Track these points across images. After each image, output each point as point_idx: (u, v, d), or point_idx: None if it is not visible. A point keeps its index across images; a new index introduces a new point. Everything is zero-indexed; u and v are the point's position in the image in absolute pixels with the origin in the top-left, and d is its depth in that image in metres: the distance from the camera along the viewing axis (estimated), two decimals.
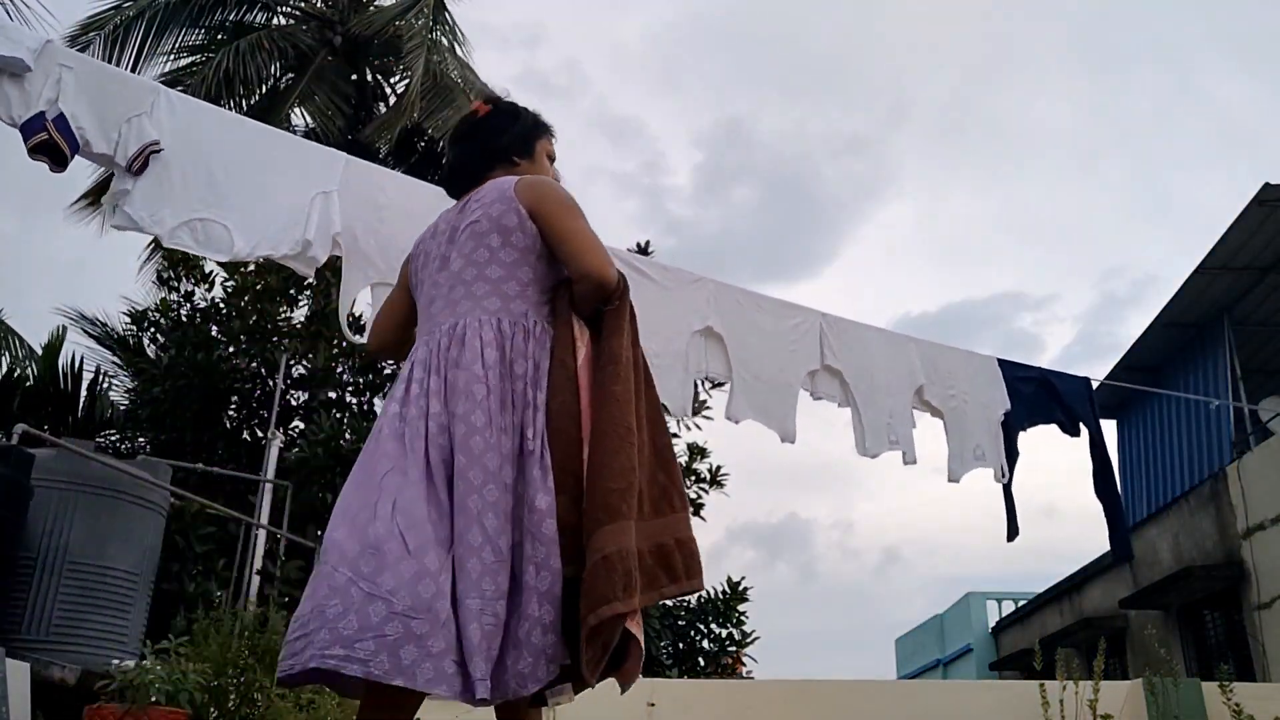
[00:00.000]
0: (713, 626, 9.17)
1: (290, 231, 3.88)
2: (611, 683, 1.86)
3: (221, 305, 9.59)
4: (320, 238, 3.92)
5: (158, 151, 3.65)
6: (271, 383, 8.81)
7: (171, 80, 12.03)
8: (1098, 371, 12.16)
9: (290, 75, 12.27)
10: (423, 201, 4.25)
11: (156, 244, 11.32)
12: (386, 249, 4.06)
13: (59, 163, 3.50)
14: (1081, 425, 5.97)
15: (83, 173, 11.88)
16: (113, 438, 10.07)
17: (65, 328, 10.80)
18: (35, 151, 3.45)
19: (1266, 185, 8.77)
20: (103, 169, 11.03)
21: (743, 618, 9.18)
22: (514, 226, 2.03)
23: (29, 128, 3.43)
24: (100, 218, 12.00)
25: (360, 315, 4.76)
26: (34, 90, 3.50)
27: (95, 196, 11.75)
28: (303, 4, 13.02)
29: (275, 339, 9.28)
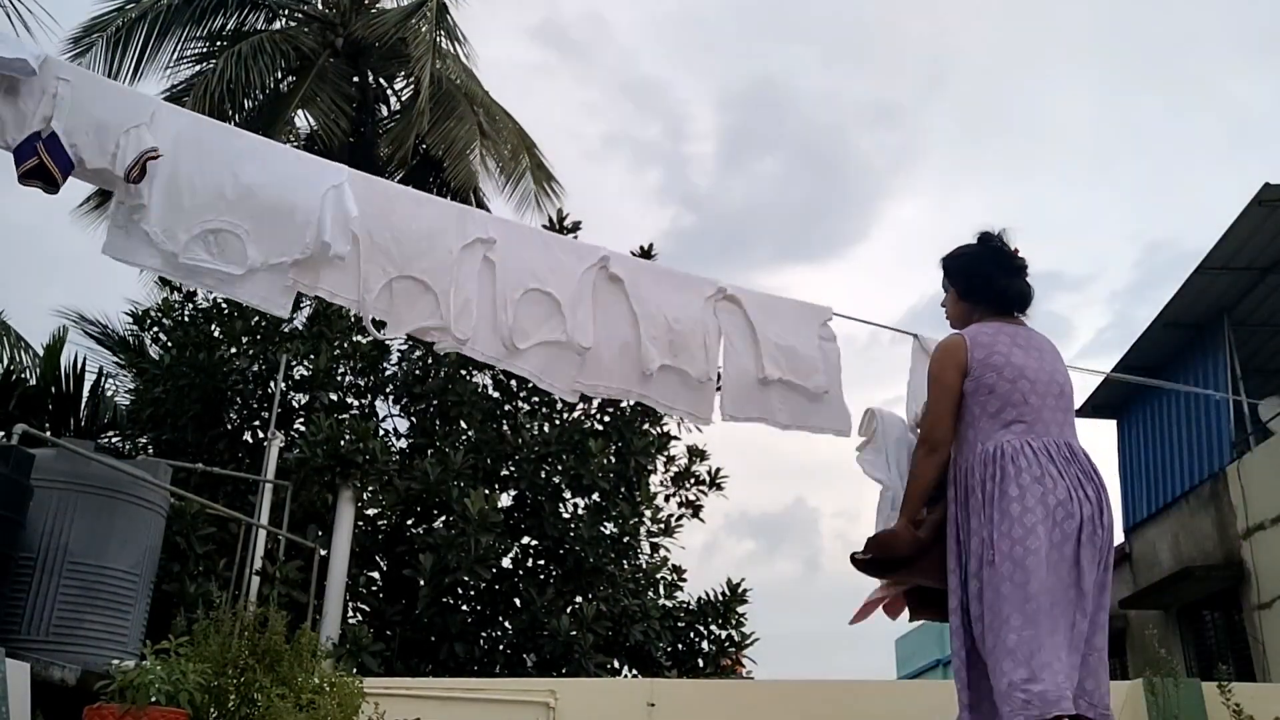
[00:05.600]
0: (712, 628, 9.16)
1: (305, 231, 3.78)
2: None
3: (223, 305, 9.60)
4: (338, 231, 3.82)
5: (155, 158, 3.57)
6: (272, 384, 8.82)
7: (174, 86, 12.07)
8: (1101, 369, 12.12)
9: (292, 78, 12.29)
10: (426, 198, 4.27)
11: None
12: (401, 239, 3.99)
13: (51, 184, 3.43)
14: None
15: None
16: (114, 438, 10.09)
17: (67, 328, 10.85)
18: (26, 178, 3.35)
19: (1266, 185, 8.73)
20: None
21: (742, 619, 9.17)
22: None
23: (21, 153, 3.34)
24: (103, 222, 12.02)
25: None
26: (29, 109, 3.41)
27: (100, 199, 11.78)
28: (304, 6, 13.03)
29: (277, 340, 9.29)
